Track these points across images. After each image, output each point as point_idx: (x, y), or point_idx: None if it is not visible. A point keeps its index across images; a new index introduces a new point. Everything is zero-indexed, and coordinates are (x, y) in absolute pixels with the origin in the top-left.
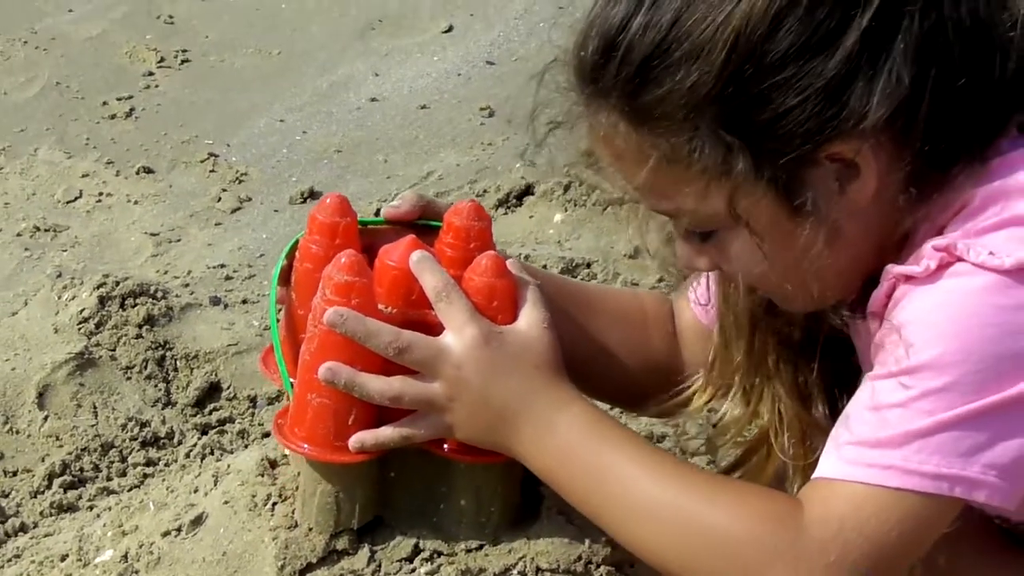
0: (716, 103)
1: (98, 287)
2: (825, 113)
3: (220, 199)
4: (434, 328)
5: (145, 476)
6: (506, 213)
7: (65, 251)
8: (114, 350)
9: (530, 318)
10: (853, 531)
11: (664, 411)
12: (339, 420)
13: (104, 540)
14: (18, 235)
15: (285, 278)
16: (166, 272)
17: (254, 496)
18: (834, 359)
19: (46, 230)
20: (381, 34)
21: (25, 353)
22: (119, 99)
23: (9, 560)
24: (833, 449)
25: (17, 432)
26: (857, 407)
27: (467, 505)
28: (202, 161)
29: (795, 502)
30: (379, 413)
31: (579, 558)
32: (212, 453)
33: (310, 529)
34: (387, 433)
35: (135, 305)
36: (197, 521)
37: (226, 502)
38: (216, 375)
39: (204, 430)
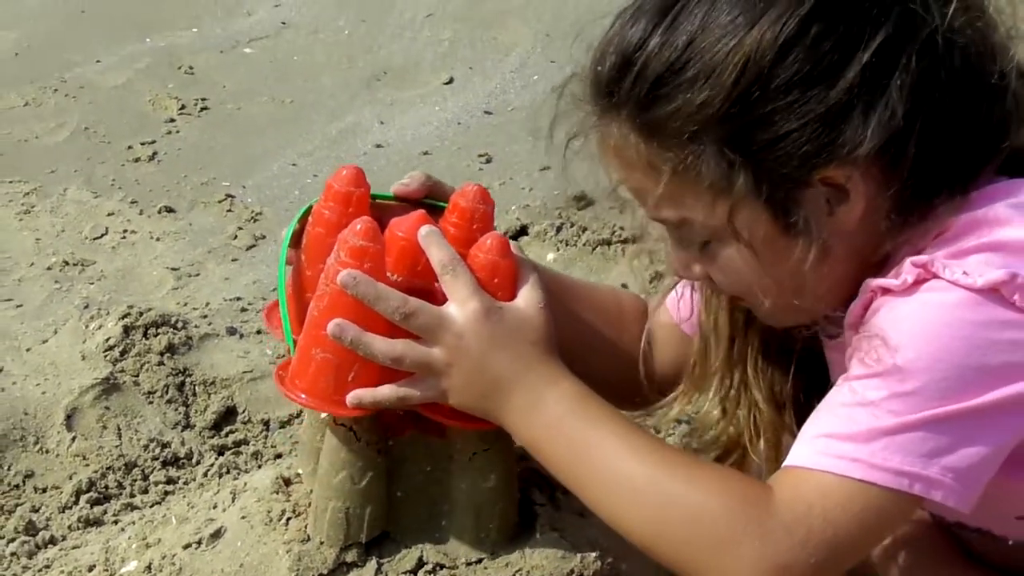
0: (723, 122)
1: (123, 317)
2: (822, 139)
3: (236, 237)
4: (436, 299)
5: (166, 493)
6: None
7: (92, 284)
8: (137, 376)
9: (528, 298)
10: (818, 516)
11: (638, 407)
12: (340, 376)
13: (129, 552)
14: (48, 269)
15: (296, 241)
16: (186, 304)
17: (269, 512)
18: (807, 371)
19: (74, 264)
20: (386, 85)
21: (55, 378)
22: (143, 143)
23: (40, 571)
24: (805, 440)
25: (47, 452)
26: (830, 404)
27: (468, 522)
28: (220, 201)
29: (766, 486)
30: (379, 376)
31: (571, 571)
32: (228, 472)
33: (321, 543)
34: (385, 392)
35: (157, 334)
36: (216, 535)
37: (243, 517)
38: (232, 400)
39: (221, 451)
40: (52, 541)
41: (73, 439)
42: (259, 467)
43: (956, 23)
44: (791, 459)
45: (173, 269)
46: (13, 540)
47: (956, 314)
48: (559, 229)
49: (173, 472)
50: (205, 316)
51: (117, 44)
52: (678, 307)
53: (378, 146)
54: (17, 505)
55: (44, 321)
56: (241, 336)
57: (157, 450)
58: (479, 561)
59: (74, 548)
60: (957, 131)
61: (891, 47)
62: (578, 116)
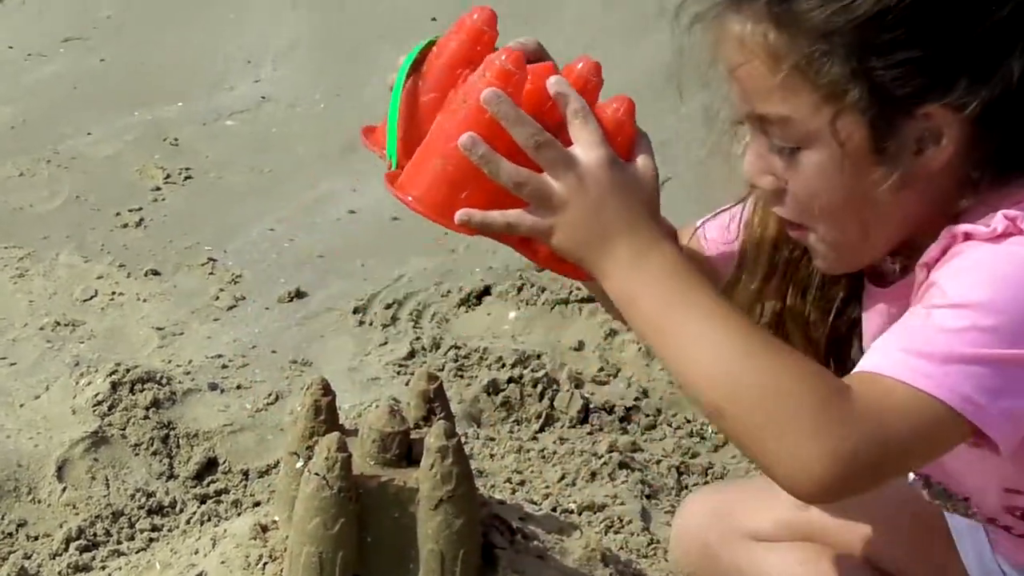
0: (859, 30)
1: (111, 374)
2: (940, 77)
3: (218, 298)
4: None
5: (151, 540)
6: (467, 311)
7: (82, 343)
8: (124, 429)
9: (645, 163)
10: (887, 417)
11: None
12: (454, 191)
13: None
14: (41, 329)
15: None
16: (170, 361)
17: (247, 556)
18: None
19: (66, 324)
20: (359, 155)
21: (46, 432)
22: (130, 210)
23: None
24: (881, 350)
25: (39, 501)
26: (907, 325)
27: (434, 565)
28: (202, 265)
29: (844, 382)
30: (488, 203)
31: None
32: (210, 520)
33: None
34: (494, 216)
35: (143, 390)
36: None
37: (223, 562)
38: (213, 451)
39: (203, 500)
40: None
41: (64, 489)
42: (238, 514)
43: None
44: (867, 364)
45: (158, 328)
46: None
47: None
48: (520, 289)
49: (158, 520)
50: (188, 372)
51: (107, 118)
52: (727, 228)
53: (351, 212)
54: (10, 552)
55: (37, 378)
56: (222, 391)
57: (143, 499)
58: None
59: None
60: None
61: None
62: (706, 4)
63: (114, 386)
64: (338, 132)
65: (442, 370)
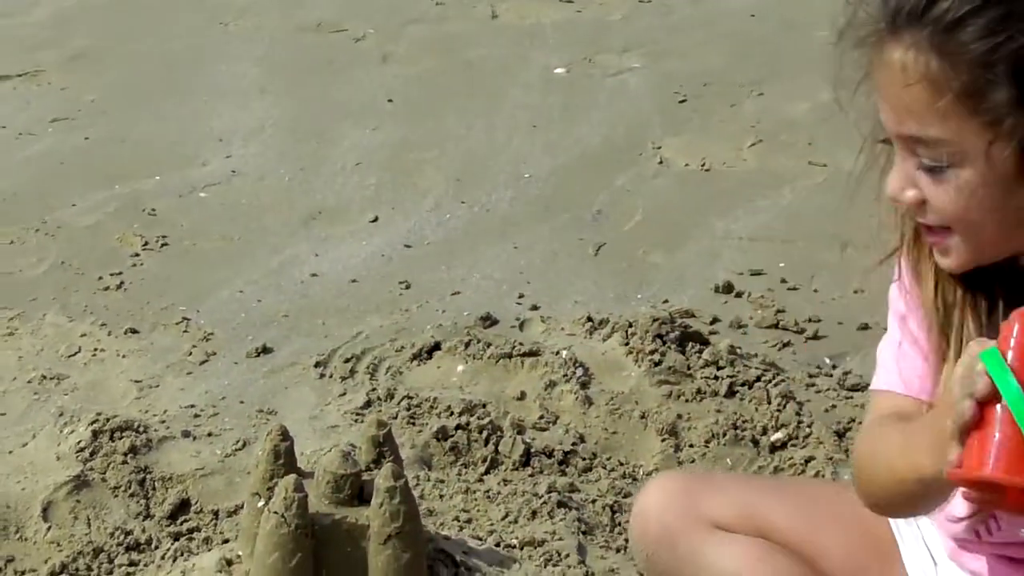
0: (1018, 60)
1: (92, 423)
2: None
3: (191, 353)
4: None
5: (128, 574)
6: (419, 364)
7: (66, 395)
8: (105, 473)
9: None
10: None
11: None
12: None
13: None
14: (29, 382)
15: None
16: (147, 411)
17: None
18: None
19: (51, 378)
20: (321, 223)
21: (32, 476)
22: (111, 274)
23: None
24: None
25: (25, 539)
26: None
27: None
28: (177, 324)
29: None
30: None
31: None
32: (183, 555)
33: None
34: None
35: (122, 437)
36: None
37: None
38: (186, 493)
39: (176, 537)
40: None
41: (48, 528)
42: (209, 550)
43: None
44: None
45: (136, 381)
46: None
47: None
48: (467, 345)
49: (135, 556)
50: (163, 421)
51: (90, 191)
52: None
53: (313, 275)
54: None
55: (24, 427)
56: (194, 438)
57: (121, 537)
58: None
59: None
60: None
61: None
62: (871, 28)
63: (95, 434)
64: (302, 203)
65: (395, 418)
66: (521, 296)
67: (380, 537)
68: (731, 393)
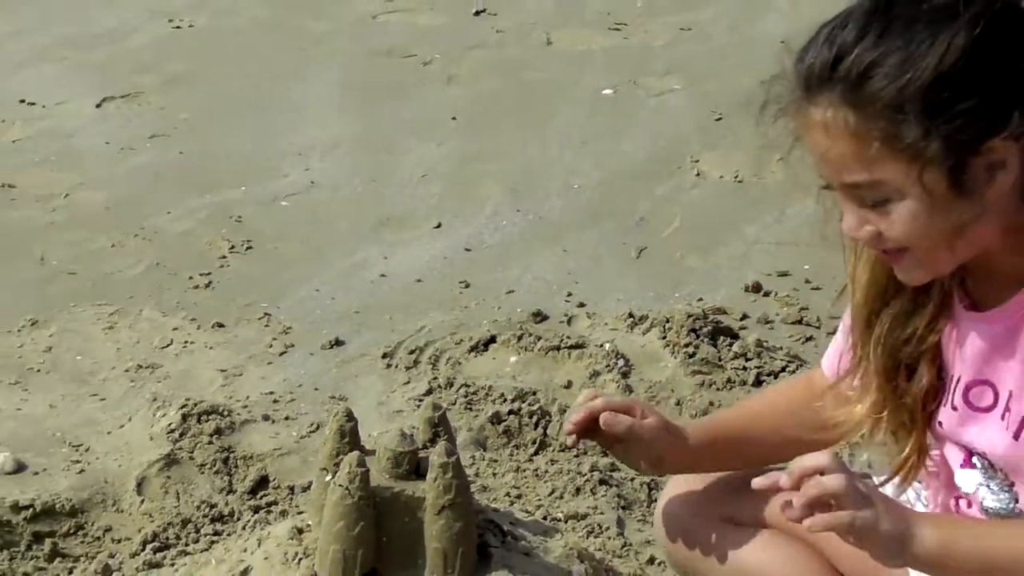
0: (923, 96)
1: (181, 408)
2: (994, 116)
3: (271, 346)
4: None
5: (212, 542)
6: (476, 356)
7: (159, 382)
8: (192, 452)
9: None
10: None
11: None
12: None
13: None
14: (126, 371)
15: None
16: (231, 397)
17: (286, 554)
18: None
19: (146, 367)
20: (389, 229)
21: (128, 455)
22: (201, 275)
23: None
24: None
25: (121, 511)
26: None
27: (438, 561)
28: (259, 319)
29: None
30: None
31: None
32: (260, 526)
33: None
34: None
35: (208, 420)
36: (245, 572)
37: (266, 558)
38: (266, 470)
39: (256, 510)
40: None
41: (142, 501)
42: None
43: None
44: None
45: (222, 370)
46: None
47: None
48: (520, 338)
49: (219, 526)
50: (246, 406)
51: (183, 200)
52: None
53: (382, 275)
54: (98, 552)
55: (121, 411)
56: (273, 421)
57: (207, 509)
58: None
59: None
60: None
61: None
62: (788, 97)
63: (184, 417)
64: (372, 211)
65: (454, 404)
66: (569, 294)
67: (435, 508)
68: (758, 382)
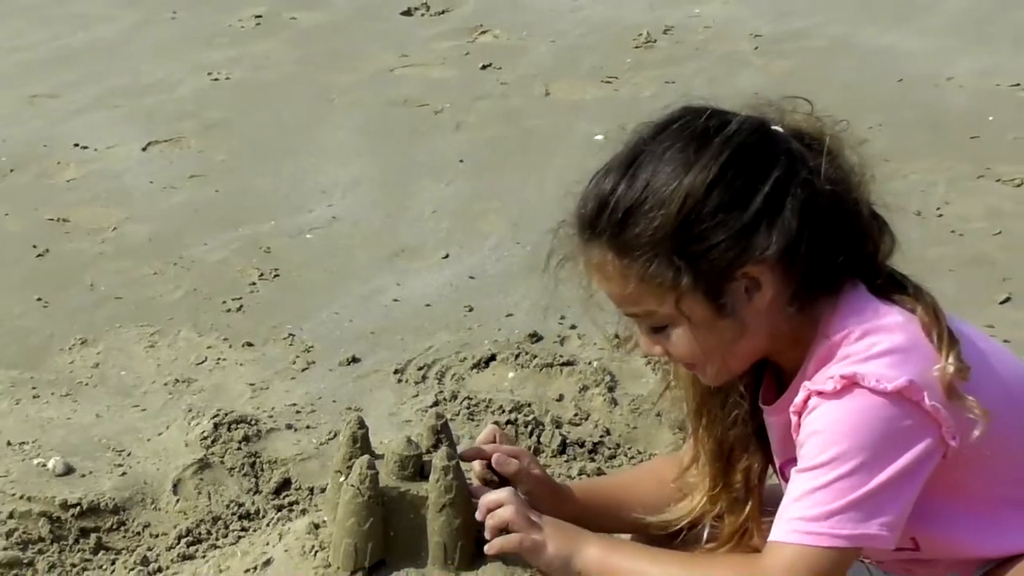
0: (671, 239)
1: (214, 417)
2: (741, 245)
3: (295, 362)
4: None
5: (239, 537)
6: (478, 372)
7: (195, 395)
8: (223, 457)
9: None
10: (799, 573)
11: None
12: None
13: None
14: (165, 384)
15: None
16: (258, 408)
17: (304, 547)
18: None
19: (183, 382)
20: (402, 259)
21: (166, 459)
22: (233, 299)
23: None
24: (781, 522)
25: (159, 509)
26: (795, 490)
27: (439, 553)
28: (284, 339)
29: (759, 558)
30: None
31: None
32: (282, 522)
33: (338, 568)
34: None
35: (237, 429)
36: (267, 563)
37: (286, 550)
38: (288, 473)
39: (279, 509)
40: (159, 570)
41: (177, 501)
42: None
43: (825, 166)
44: (773, 536)
45: (250, 384)
46: (133, 570)
47: (873, 414)
48: (517, 356)
49: (246, 523)
50: (271, 416)
51: (218, 233)
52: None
53: (395, 300)
54: (137, 546)
55: (160, 420)
56: (295, 430)
57: (235, 508)
58: None
59: (174, 575)
60: (831, 241)
61: (783, 182)
62: (568, 245)
63: (216, 426)
64: (388, 243)
65: (458, 415)
66: (562, 318)
67: (436, 506)
68: None
